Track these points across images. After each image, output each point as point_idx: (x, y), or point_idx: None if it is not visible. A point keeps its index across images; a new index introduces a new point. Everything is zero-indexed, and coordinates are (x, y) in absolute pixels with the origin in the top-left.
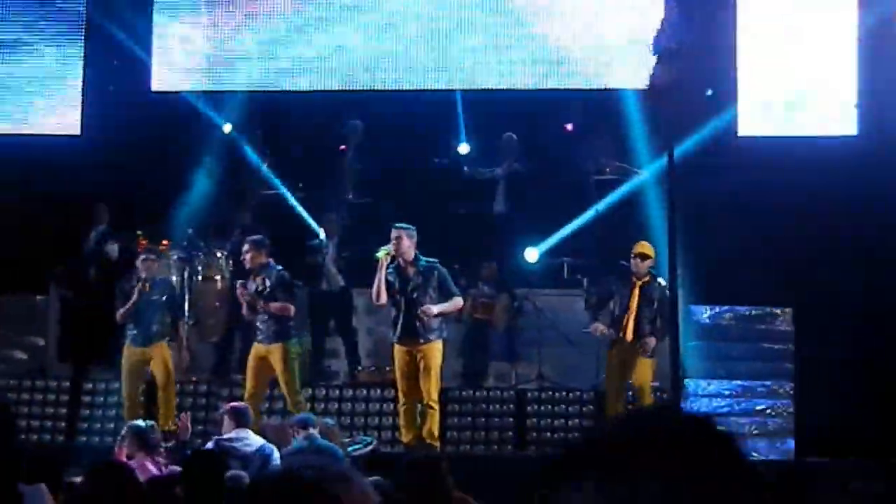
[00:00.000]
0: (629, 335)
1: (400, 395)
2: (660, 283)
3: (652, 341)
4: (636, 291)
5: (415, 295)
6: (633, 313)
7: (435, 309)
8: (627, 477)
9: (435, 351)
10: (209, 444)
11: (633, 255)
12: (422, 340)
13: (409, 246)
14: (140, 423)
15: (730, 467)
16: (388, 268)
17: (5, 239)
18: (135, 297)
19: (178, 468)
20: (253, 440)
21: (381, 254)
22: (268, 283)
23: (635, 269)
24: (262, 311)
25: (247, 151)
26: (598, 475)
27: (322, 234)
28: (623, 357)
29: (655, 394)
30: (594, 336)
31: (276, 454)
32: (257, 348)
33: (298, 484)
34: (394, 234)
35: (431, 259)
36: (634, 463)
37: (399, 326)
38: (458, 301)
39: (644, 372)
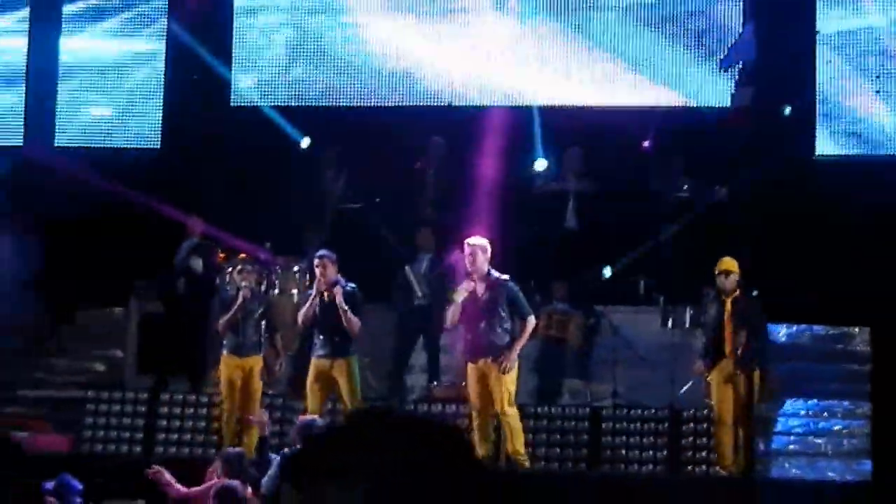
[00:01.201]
0: (728, 352)
1: (473, 411)
2: (752, 297)
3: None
4: (728, 308)
5: (486, 312)
6: (729, 330)
7: (513, 356)
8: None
9: None
10: (276, 460)
11: (717, 273)
12: (492, 357)
13: (482, 262)
14: (231, 450)
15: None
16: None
17: (84, 253)
18: (237, 305)
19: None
20: None
21: (458, 297)
22: (338, 298)
23: (721, 286)
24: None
25: (324, 165)
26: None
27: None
28: (727, 375)
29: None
30: (696, 374)
31: None
32: (320, 364)
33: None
34: (467, 250)
35: (504, 276)
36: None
37: (471, 343)
38: (529, 323)
39: (750, 390)
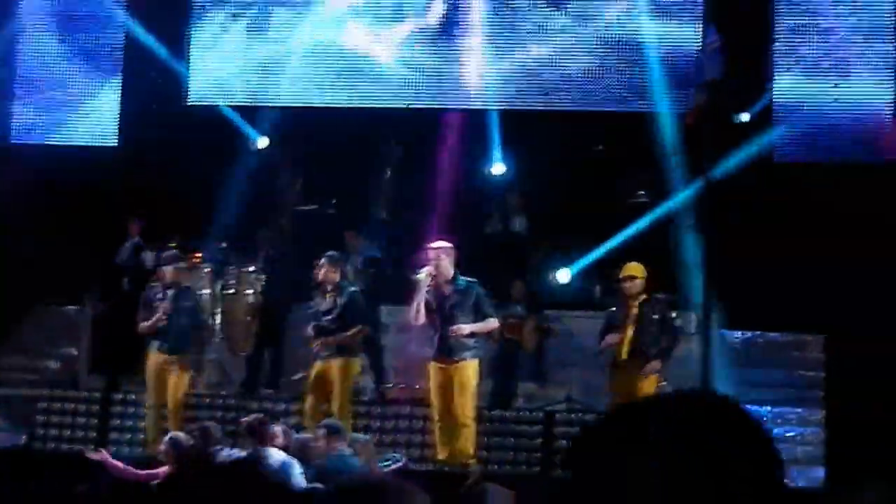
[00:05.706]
0: (623, 354)
1: (434, 412)
2: (659, 300)
3: (655, 365)
4: (633, 311)
5: (451, 313)
6: (627, 333)
7: (466, 328)
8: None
9: (470, 370)
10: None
11: (621, 279)
12: (457, 359)
13: (447, 265)
14: (181, 434)
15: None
16: (426, 287)
17: (41, 249)
18: (165, 304)
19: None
20: (274, 457)
21: (422, 275)
22: (338, 301)
23: (627, 291)
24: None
25: (281, 166)
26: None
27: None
28: (622, 378)
29: None
30: (607, 349)
31: (297, 469)
32: (319, 366)
33: None
34: (432, 253)
35: (471, 279)
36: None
37: (435, 344)
38: (492, 322)
39: (648, 392)
